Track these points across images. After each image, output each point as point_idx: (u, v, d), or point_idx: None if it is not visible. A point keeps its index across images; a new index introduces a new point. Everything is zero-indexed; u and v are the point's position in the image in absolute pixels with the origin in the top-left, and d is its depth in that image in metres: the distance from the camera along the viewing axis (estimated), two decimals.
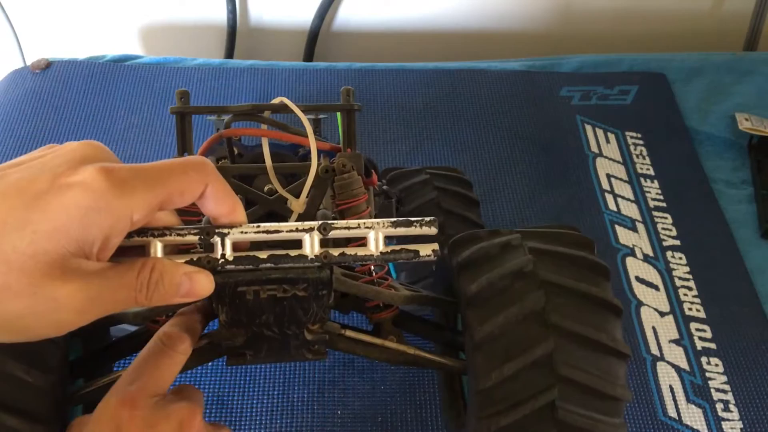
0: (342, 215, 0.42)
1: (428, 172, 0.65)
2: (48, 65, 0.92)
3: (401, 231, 0.35)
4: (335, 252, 0.35)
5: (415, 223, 0.35)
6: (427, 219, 0.35)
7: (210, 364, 0.61)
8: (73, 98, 0.88)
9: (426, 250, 0.35)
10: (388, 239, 0.36)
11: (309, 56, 1.12)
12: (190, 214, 0.39)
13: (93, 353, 0.45)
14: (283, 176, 0.46)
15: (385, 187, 0.59)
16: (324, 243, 0.35)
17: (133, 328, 0.46)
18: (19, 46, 1.11)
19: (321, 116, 0.65)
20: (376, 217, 0.53)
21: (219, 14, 1.09)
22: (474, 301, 0.40)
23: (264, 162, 0.43)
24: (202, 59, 0.96)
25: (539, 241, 0.43)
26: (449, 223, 0.60)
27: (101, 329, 0.47)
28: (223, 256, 0.34)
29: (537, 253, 0.42)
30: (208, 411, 0.59)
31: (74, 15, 1.09)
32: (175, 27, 1.11)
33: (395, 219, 0.35)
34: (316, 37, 1.11)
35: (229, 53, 1.11)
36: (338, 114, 0.48)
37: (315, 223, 0.35)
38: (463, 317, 0.41)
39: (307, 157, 0.44)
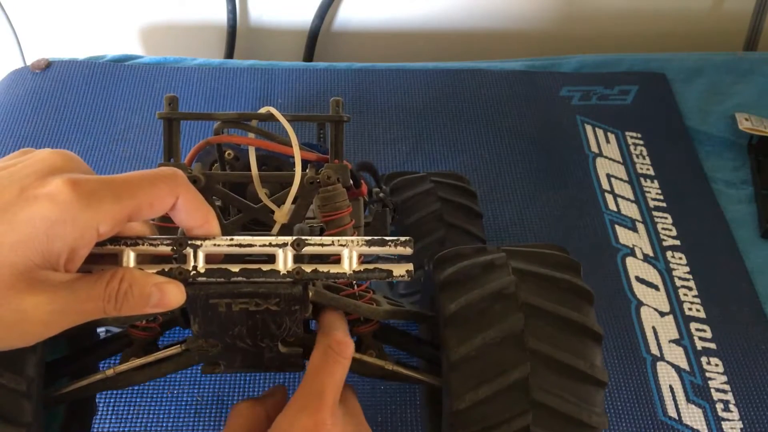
0: (328, 227, 0.42)
1: (433, 180, 0.65)
2: (48, 65, 0.92)
3: (375, 250, 0.35)
4: (308, 268, 0.34)
5: (389, 243, 0.35)
6: (403, 239, 0.35)
7: None
8: (73, 98, 0.88)
9: (400, 271, 0.35)
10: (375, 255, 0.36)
11: (309, 56, 1.12)
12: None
13: (78, 352, 0.45)
14: (281, 185, 0.46)
15: (381, 194, 0.59)
16: (299, 258, 0.35)
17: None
18: (19, 46, 1.11)
19: None
20: (367, 226, 0.52)
21: (219, 14, 1.09)
22: (452, 321, 0.40)
23: (259, 169, 0.43)
24: (202, 59, 0.96)
25: (524, 261, 0.42)
26: (451, 235, 0.60)
27: (88, 329, 0.47)
28: (194, 267, 0.34)
29: (520, 275, 0.41)
30: (208, 411, 0.59)
31: (74, 15, 1.09)
32: (175, 27, 1.11)
33: (370, 237, 0.35)
34: (316, 37, 1.10)
35: (229, 53, 1.11)
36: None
37: (289, 239, 0.34)
38: (441, 336, 0.40)
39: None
